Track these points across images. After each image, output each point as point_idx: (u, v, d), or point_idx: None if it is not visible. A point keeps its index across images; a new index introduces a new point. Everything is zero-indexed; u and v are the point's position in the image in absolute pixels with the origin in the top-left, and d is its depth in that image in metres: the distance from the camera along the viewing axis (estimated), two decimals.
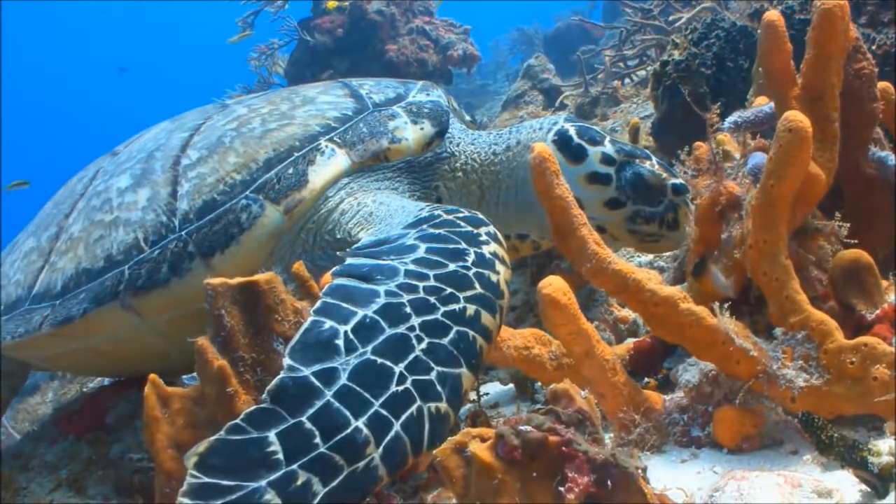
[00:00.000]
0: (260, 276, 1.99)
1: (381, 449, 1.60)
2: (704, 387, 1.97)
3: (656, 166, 2.70)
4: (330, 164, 2.60)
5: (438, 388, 1.74)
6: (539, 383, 2.47)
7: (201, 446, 1.53)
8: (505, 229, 2.82)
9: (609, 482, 1.33)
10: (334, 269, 2.02)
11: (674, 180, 2.66)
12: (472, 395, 2.58)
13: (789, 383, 1.81)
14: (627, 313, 2.85)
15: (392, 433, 1.62)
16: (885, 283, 2.01)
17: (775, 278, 1.90)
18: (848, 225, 2.10)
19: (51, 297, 2.71)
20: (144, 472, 2.60)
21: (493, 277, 2.01)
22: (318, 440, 1.57)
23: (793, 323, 1.87)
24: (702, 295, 2.12)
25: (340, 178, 2.62)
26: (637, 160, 2.71)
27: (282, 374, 1.68)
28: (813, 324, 1.84)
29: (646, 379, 2.33)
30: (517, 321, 3.41)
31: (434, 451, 1.47)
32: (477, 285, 1.96)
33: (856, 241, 2.06)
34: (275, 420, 1.59)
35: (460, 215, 2.24)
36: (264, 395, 1.64)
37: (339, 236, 2.58)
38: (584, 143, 2.73)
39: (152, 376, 1.96)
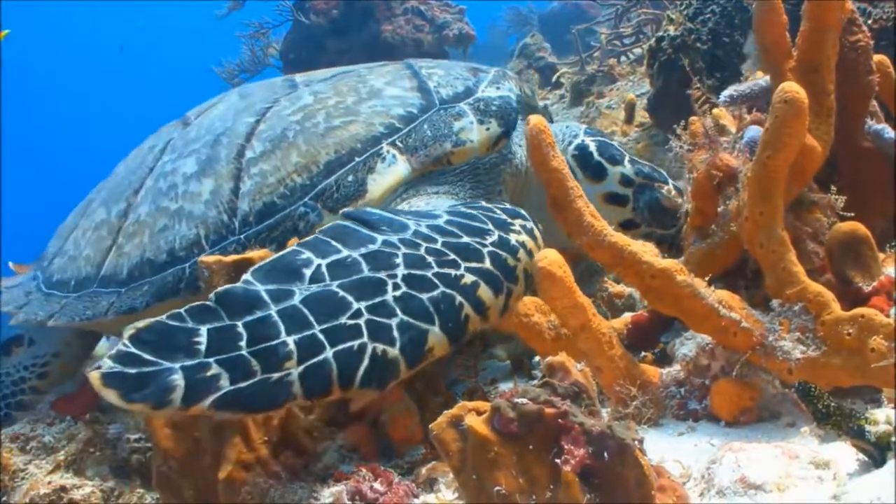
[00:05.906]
0: (255, 253, 1.98)
1: (302, 367, 1.57)
2: (701, 360, 1.97)
3: (673, 191, 2.72)
4: (390, 171, 2.55)
5: (395, 333, 1.68)
6: (536, 358, 2.46)
7: (142, 323, 1.57)
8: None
9: (605, 454, 1.33)
10: (345, 210, 1.99)
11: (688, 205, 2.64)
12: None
13: (786, 355, 1.80)
14: (623, 288, 2.85)
15: (320, 357, 1.60)
16: (882, 256, 2.01)
17: (772, 250, 1.90)
18: (844, 198, 2.09)
19: (116, 282, 2.80)
20: (142, 451, 2.62)
21: (511, 262, 1.95)
22: (243, 343, 1.58)
23: (789, 295, 1.86)
24: (699, 267, 2.12)
25: (400, 185, 2.57)
26: (655, 184, 2.75)
27: (236, 284, 1.69)
28: (810, 295, 1.84)
29: (642, 353, 2.32)
30: None
31: (431, 426, 1.46)
32: (487, 261, 1.90)
33: (852, 214, 2.06)
34: (213, 318, 1.62)
35: (501, 206, 2.20)
36: (210, 295, 1.66)
37: None
38: (603, 162, 2.77)
39: None
